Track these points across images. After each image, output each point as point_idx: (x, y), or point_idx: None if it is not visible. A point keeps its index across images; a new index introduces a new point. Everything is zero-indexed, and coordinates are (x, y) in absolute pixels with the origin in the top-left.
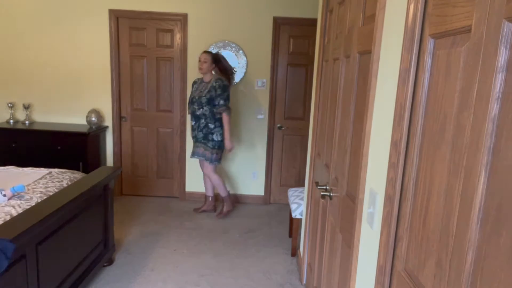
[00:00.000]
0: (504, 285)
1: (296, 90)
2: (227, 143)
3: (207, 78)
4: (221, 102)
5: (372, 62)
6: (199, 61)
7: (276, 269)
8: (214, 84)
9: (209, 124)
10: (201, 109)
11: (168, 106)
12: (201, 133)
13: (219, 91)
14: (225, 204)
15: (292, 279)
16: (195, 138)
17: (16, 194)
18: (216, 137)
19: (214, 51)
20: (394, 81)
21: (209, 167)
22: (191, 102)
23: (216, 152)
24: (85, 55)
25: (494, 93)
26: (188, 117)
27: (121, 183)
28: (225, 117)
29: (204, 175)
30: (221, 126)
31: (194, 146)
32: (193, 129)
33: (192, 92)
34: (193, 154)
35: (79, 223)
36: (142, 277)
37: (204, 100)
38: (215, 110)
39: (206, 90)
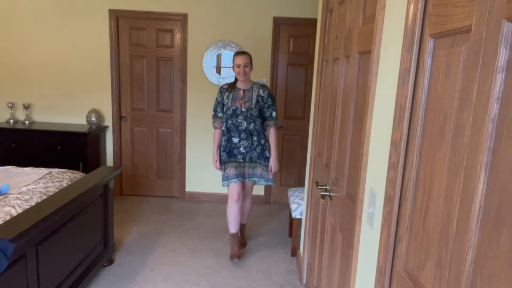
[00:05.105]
0: (504, 285)
1: (296, 90)
2: (276, 164)
3: (246, 85)
4: (274, 114)
5: (372, 62)
6: (238, 66)
7: (276, 269)
8: (263, 94)
9: (261, 140)
10: (252, 124)
11: (168, 106)
12: (255, 152)
13: (270, 101)
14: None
15: (292, 279)
16: (248, 158)
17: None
18: (268, 153)
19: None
20: (394, 81)
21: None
22: (234, 114)
23: (269, 170)
24: (85, 55)
25: (494, 93)
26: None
27: (121, 183)
28: (275, 132)
29: (242, 200)
30: (267, 140)
31: (247, 167)
32: (237, 147)
33: (228, 103)
34: (250, 177)
35: (79, 223)
36: (142, 277)
37: (255, 113)
38: (265, 123)
39: (254, 101)
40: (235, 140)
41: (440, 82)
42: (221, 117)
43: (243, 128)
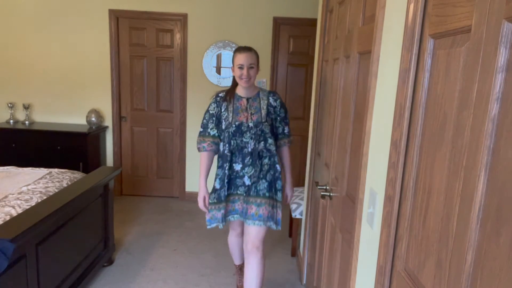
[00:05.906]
0: (504, 285)
1: (296, 90)
2: (292, 193)
3: (250, 92)
4: (286, 130)
5: (372, 62)
6: (240, 67)
7: (276, 269)
8: (274, 104)
9: (276, 165)
10: (263, 142)
11: (168, 106)
12: (264, 180)
13: (282, 113)
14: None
15: (292, 279)
16: (254, 190)
17: None
18: (280, 184)
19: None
20: (394, 81)
21: (264, 234)
22: (238, 131)
23: (281, 208)
24: (85, 55)
25: (494, 93)
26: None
27: (121, 183)
28: (289, 153)
29: (247, 253)
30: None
31: (250, 203)
32: (239, 176)
33: (228, 117)
34: (253, 218)
35: (79, 223)
36: (142, 277)
37: (267, 128)
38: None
39: (264, 112)
40: (237, 167)
41: (440, 82)
42: (213, 136)
43: (249, 150)
